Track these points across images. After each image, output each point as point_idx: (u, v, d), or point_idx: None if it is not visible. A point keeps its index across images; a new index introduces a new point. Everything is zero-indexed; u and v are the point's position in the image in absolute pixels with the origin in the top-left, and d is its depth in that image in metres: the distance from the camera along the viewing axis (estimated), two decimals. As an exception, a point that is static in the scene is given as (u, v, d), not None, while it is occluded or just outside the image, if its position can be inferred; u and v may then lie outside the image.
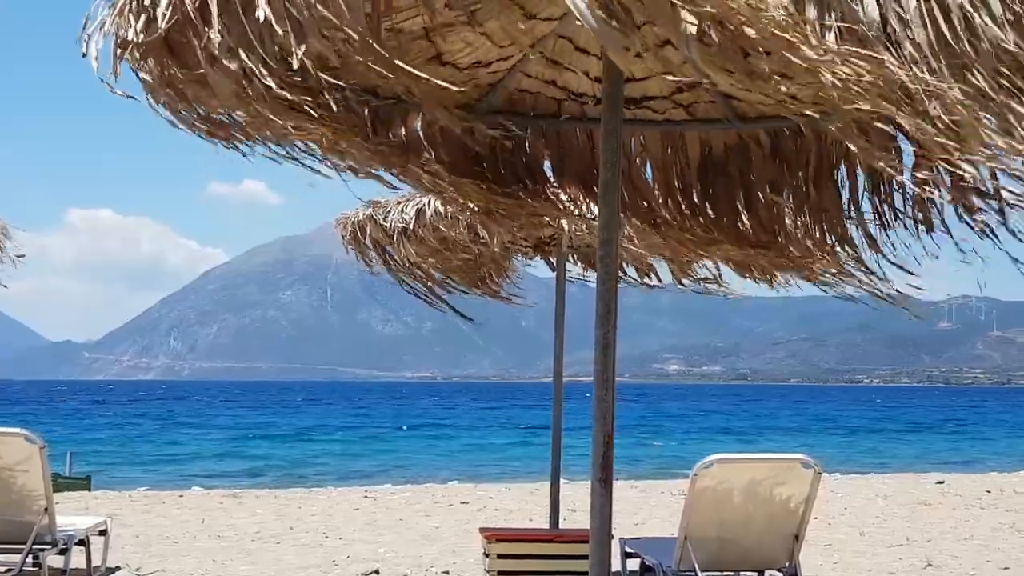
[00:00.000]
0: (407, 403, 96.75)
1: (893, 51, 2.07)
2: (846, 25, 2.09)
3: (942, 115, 2.03)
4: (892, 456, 34.37)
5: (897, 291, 3.94)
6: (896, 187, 3.58)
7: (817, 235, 3.97)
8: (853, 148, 2.33)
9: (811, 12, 2.06)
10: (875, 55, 2.00)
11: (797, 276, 4.34)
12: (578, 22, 1.90)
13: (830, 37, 2.04)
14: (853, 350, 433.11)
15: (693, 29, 1.87)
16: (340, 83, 2.88)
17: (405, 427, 53.82)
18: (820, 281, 4.20)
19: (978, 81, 2.08)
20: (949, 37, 2.07)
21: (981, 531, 10.22)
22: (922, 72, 2.03)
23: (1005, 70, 2.12)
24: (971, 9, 2.11)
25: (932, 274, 3.74)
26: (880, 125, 2.21)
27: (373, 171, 3.34)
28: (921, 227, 3.48)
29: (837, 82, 1.94)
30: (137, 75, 2.58)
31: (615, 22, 1.91)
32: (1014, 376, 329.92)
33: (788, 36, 1.93)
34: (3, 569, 6.16)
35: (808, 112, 2.08)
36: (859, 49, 2.00)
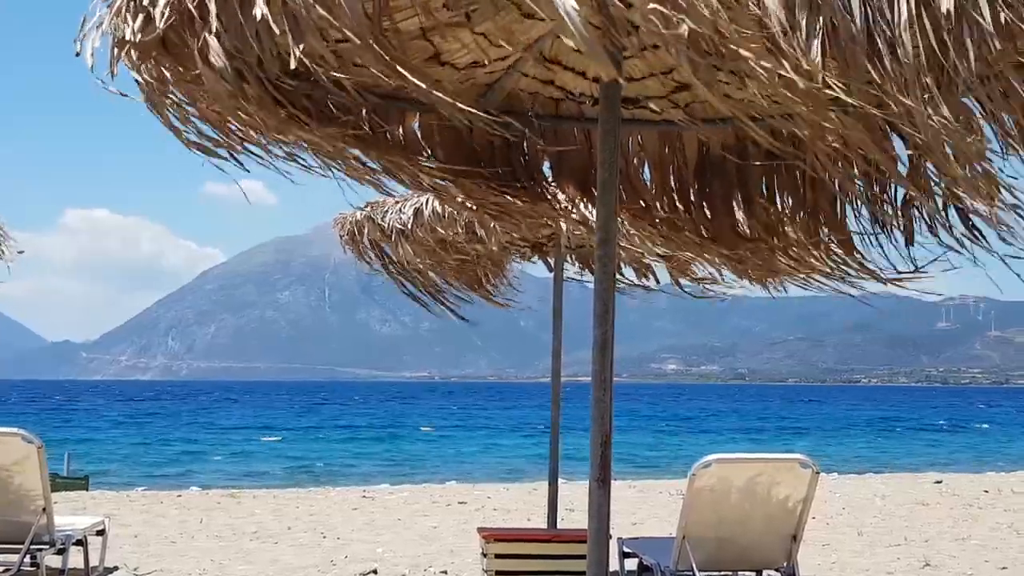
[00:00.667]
0: (422, 403, 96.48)
1: (879, 65, 2.06)
2: (834, 39, 2.09)
3: (926, 134, 2.04)
4: (928, 457, 33.74)
5: (895, 283, 3.93)
6: (888, 190, 3.59)
7: (813, 235, 3.97)
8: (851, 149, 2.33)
9: (801, 21, 2.05)
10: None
11: (793, 278, 4.33)
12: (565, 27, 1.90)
13: (815, 48, 2.04)
14: (851, 350, 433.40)
15: (685, 30, 1.88)
16: (338, 83, 2.88)
17: (427, 427, 53.91)
18: (816, 282, 4.20)
19: (968, 92, 2.09)
20: (937, 49, 2.07)
21: (979, 531, 10.22)
22: (909, 89, 2.03)
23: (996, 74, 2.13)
24: (961, 19, 2.10)
25: (929, 274, 3.73)
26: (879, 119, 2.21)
27: (369, 174, 3.33)
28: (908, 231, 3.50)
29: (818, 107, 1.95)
30: (135, 76, 2.58)
31: (610, 27, 1.92)
32: (1012, 376, 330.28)
33: (775, 65, 1.93)
34: (1, 569, 6.16)
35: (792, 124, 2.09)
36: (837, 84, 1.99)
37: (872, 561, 8.42)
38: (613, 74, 2.10)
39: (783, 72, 1.95)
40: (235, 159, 2.87)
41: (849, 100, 1.99)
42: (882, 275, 3.87)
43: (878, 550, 8.99)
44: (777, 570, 5.80)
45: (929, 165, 2.91)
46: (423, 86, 2.36)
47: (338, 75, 2.40)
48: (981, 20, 2.10)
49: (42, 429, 7.16)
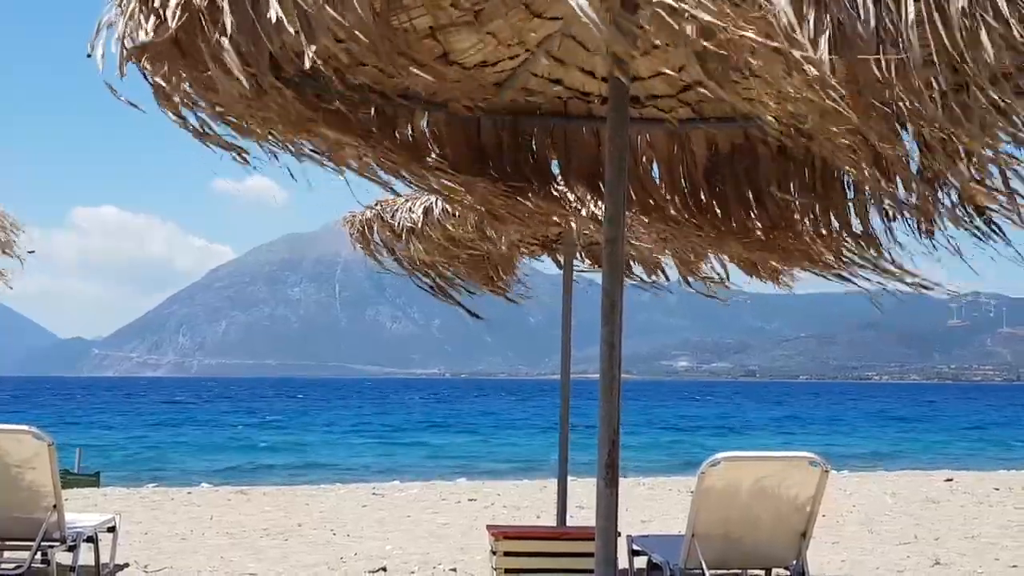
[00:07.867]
0: (478, 402, 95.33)
1: (887, 65, 2.06)
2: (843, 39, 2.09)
3: (939, 131, 2.04)
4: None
5: (907, 281, 3.92)
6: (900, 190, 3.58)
7: (824, 232, 3.96)
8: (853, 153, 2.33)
9: (809, 17, 2.06)
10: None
11: (805, 270, 4.32)
12: (583, 21, 1.91)
13: (823, 46, 2.04)
14: (862, 347, 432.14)
15: (691, 30, 1.88)
16: (348, 83, 2.89)
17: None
18: (830, 274, 4.19)
19: (982, 89, 2.08)
20: (950, 47, 2.07)
21: (989, 529, 10.19)
22: (920, 87, 2.03)
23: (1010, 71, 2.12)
24: (972, 17, 2.10)
25: (941, 271, 3.72)
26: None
27: (376, 175, 3.33)
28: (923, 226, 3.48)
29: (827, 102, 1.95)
30: (146, 77, 2.58)
31: (619, 25, 1.92)
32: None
33: (783, 55, 1.94)
34: (12, 566, 6.19)
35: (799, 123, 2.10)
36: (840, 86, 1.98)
37: (882, 559, 8.41)
38: (630, 55, 2.08)
39: (790, 68, 1.95)
40: (243, 158, 2.87)
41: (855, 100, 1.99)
42: (894, 271, 3.87)
43: (888, 548, 8.97)
44: (786, 568, 5.80)
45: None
46: (430, 79, 2.36)
47: (347, 75, 2.41)
48: (992, 20, 2.09)
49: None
